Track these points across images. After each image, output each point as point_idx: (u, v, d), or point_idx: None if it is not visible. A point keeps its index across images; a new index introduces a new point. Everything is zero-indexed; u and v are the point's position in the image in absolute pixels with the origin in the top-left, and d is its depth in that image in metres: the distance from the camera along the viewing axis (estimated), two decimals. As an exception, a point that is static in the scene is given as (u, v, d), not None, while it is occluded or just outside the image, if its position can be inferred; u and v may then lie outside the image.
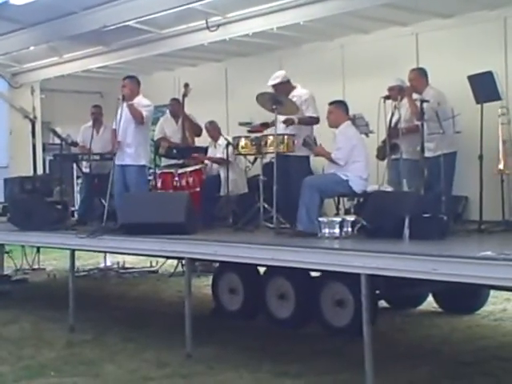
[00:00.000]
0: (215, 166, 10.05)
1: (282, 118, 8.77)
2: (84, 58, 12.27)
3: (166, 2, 9.03)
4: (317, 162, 8.91)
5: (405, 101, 8.39)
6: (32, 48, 11.60)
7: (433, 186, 7.76)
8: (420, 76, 8.54)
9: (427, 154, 7.77)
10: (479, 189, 7.63)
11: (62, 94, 14.10)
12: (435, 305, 8.91)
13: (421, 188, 7.64)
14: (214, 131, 10.31)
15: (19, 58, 12.68)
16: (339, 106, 8.19)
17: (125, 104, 9.09)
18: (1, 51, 11.83)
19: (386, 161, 8.25)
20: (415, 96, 8.27)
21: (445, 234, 6.77)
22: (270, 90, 8.98)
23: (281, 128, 8.74)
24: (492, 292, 8.62)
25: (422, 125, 7.75)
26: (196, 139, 10.85)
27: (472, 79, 7.80)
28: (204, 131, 10.59)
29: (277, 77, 9.06)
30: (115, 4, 9.38)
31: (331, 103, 8.23)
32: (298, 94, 8.95)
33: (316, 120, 8.81)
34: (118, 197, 9.09)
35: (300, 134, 8.66)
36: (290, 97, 8.87)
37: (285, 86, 8.98)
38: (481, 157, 7.65)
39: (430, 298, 8.91)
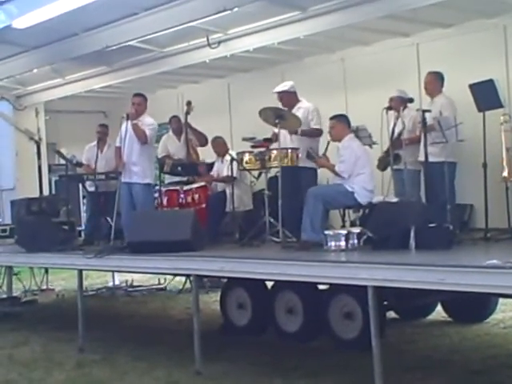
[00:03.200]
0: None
1: (284, 132, 8.77)
2: (87, 78, 12.35)
3: (167, 20, 9.06)
4: (321, 174, 8.89)
5: (407, 111, 8.38)
6: (35, 70, 11.64)
7: (437, 194, 7.74)
8: (435, 80, 8.53)
9: (431, 158, 7.74)
10: (484, 197, 7.61)
11: (66, 114, 14.16)
12: (444, 314, 8.86)
13: (423, 197, 7.62)
14: (220, 147, 10.35)
15: (23, 80, 12.75)
16: (340, 119, 8.19)
17: (129, 123, 9.12)
18: (4, 74, 11.88)
19: (390, 171, 8.23)
20: (415, 107, 8.27)
21: (451, 244, 6.74)
22: (275, 102, 8.98)
23: (287, 141, 8.74)
24: (501, 300, 8.57)
25: (425, 134, 7.74)
26: (202, 154, 10.82)
27: (473, 88, 7.79)
28: (210, 147, 10.59)
29: (284, 85, 9.09)
30: (116, 24, 9.42)
31: (332, 118, 8.24)
32: (305, 106, 8.95)
33: (320, 132, 8.82)
34: (125, 215, 9.10)
35: (305, 147, 8.65)
36: (296, 109, 8.89)
37: (290, 97, 9.00)
38: (485, 165, 7.64)
39: (439, 308, 8.86)
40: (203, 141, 10.74)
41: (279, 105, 9.02)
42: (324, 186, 8.67)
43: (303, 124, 8.74)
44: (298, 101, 9.03)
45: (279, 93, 9.05)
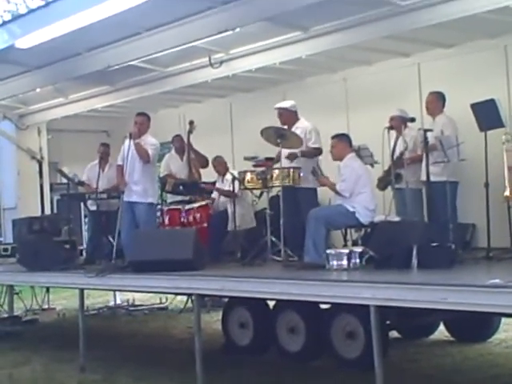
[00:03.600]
0: (222, 200, 10.09)
1: (286, 151, 8.79)
2: (89, 97, 12.40)
3: (169, 40, 9.09)
4: (323, 194, 8.90)
5: (408, 131, 8.40)
6: (38, 90, 11.69)
7: (439, 214, 7.74)
8: (437, 100, 8.55)
9: (432, 178, 7.75)
10: (486, 216, 7.62)
11: (68, 133, 14.19)
12: (447, 333, 8.82)
13: (425, 216, 7.61)
14: (221, 166, 10.36)
15: (25, 99, 12.81)
16: (342, 139, 8.22)
17: (132, 142, 9.14)
18: (7, 94, 11.92)
19: (391, 191, 8.24)
20: (417, 127, 8.29)
21: (453, 263, 6.73)
22: (276, 122, 9.02)
23: (285, 162, 8.78)
24: (504, 319, 8.53)
25: (427, 153, 7.76)
26: (203, 174, 10.85)
27: (475, 107, 7.81)
28: (211, 166, 10.61)
29: (286, 103, 9.20)
30: (119, 44, 9.45)
31: (334, 137, 8.27)
32: (303, 126, 9.01)
33: (319, 151, 8.84)
34: (126, 234, 9.10)
35: (305, 167, 8.68)
36: (294, 128, 8.94)
37: (290, 115, 9.06)
38: (487, 184, 7.64)
39: (442, 327, 8.83)
40: (204, 162, 10.78)
41: (279, 123, 9.04)
42: (325, 207, 8.68)
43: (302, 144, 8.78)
44: (297, 120, 9.07)
45: (279, 109, 9.10)
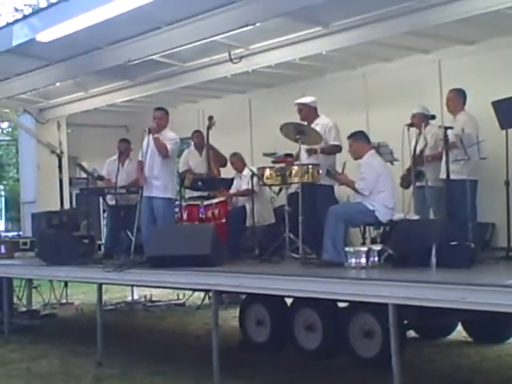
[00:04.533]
0: (240, 197, 10.05)
1: (305, 147, 8.78)
2: (109, 92, 12.41)
3: (189, 35, 9.08)
4: (341, 191, 8.87)
5: (429, 128, 8.35)
6: (58, 84, 11.71)
7: (458, 212, 7.68)
8: (457, 97, 8.49)
9: (452, 176, 7.70)
10: (506, 215, 7.56)
11: (87, 128, 14.23)
12: (465, 334, 8.77)
13: (444, 215, 7.56)
14: (238, 163, 10.33)
15: (46, 93, 12.83)
16: (357, 137, 8.15)
17: (151, 137, 9.15)
18: (28, 88, 11.95)
19: (411, 189, 8.18)
20: (437, 124, 8.23)
21: (472, 262, 6.69)
22: (296, 117, 8.99)
23: (304, 157, 8.74)
24: (523, 320, 8.47)
25: (447, 152, 7.70)
26: (222, 170, 10.87)
27: (496, 105, 7.74)
28: (228, 163, 10.60)
29: (306, 98, 9.15)
30: (139, 39, 9.46)
31: (349, 137, 8.22)
32: (323, 122, 8.97)
33: (339, 149, 8.80)
34: (145, 229, 9.12)
35: (324, 164, 8.65)
36: (314, 125, 8.90)
37: (309, 111, 9.03)
38: (507, 183, 7.59)
39: (460, 327, 8.77)
40: (223, 162, 10.79)
41: (299, 119, 9.01)
42: (344, 204, 8.63)
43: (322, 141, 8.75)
44: (316, 116, 9.04)
45: (299, 104, 9.07)
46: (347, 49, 9.31)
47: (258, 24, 8.44)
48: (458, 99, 8.48)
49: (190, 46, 9.38)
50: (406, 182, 8.72)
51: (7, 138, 30.00)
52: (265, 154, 9.66)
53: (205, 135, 10.69)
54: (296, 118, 9.08)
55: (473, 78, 9.02)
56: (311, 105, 9.07)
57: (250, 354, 8.08)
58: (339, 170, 8.33)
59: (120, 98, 12.57)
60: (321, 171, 8.56)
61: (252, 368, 7.74)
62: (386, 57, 10.21)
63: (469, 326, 8.62)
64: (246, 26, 8.44)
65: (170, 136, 9.39)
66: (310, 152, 8.80)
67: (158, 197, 9.27)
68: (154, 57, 9.98)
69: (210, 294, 7.84)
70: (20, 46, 9.50)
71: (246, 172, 9.91)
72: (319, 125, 8.90)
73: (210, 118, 10.42)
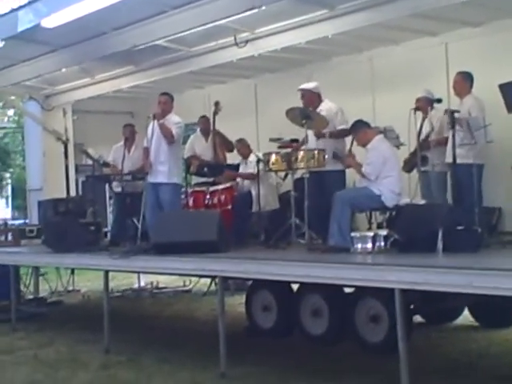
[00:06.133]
0: (246, 182, 10.07)
1: (311, 132, 8.78)
2: (115, 78, 12.46)
3: (194, 19, 9.09)
4: (348, 176, 8.86)
5: (434, 112, 8.33)
6: (64, 70, 11.74)
7: (464, 196, 7.69)
8: (464, 80, 8.46)
9: (458, 160, 7.69)
10: (513, 199, 7.57)
11: (93, 115, 14.26)
12: (471, 318, 8.79)
13: (450, 199, 7.56)
14: (244, 148, 10.34)
15: (51, 80, 12.86)
16: (356, 128, 8.15)
17: (156, 122, 9.16)
18: (33, 74, 11.99)
19: (417, 174, 8.18)
20: (443, 108, 8.22)
21: (479, 247, 6.71)
22: (302, 102, 8.99)
23: (313, 141, 8.74)
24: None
25: (453, 135, 7.69)
26: (227, 156, 10.88)
27: (503, 88, 7.71)
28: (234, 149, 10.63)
29: (308, 84, 9.13)
30: (144, 24, 9.48)
31: (349, 132, 8.27)
32: (328, 107, 8.96)
33: (347, 132, 8.77)
34: (150, 216, 9.15)
35: (333, 148, 8.65)
36: (318, 110, 8.88)
37: (312, 96, 9.01)
38: (514, 167, 7.58)
39: (466, 312, 8.79)
40: (230, 147, 10.80)
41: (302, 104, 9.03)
42: (351, 189, 8.64)
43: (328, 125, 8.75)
44: (320, 102, 9.03)
45: (302, 90, 9.06)
46: (353, 32, 9.30)
47: (263, 7, 8.46)
48: (464, 82, 8.45)
49: (196, 30, 9.40)
50: (408, 166, 8.76)
51: (13, 126, 30.02)
52: (271, 140, 9.68)
53: (211, 121, 10.68)
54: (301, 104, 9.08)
55: (480, 60, 9.00)
56: (314, 90, 9.06)
57: (256, 341, 8.12)
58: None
59: (125, 84, 12.62)
60: (327, 156, 8.56)
61: (259, 354, 7.79)
62: (392, 40, 10.18)
63: (475, 311, 8.63)
64: (252, 9, 8.46)
65: (174, 120, 9.41)
66: (319, 136, 8.79)
67: (164, 182, 9.30)
68: (159, 42, 10.01)
69: (217, 280, 7.89)
70: (25, 32, 9.53)
71: (252, 158, 9.93)
72: (323, 110, 8.89)
73: (217, 104, 10.41)
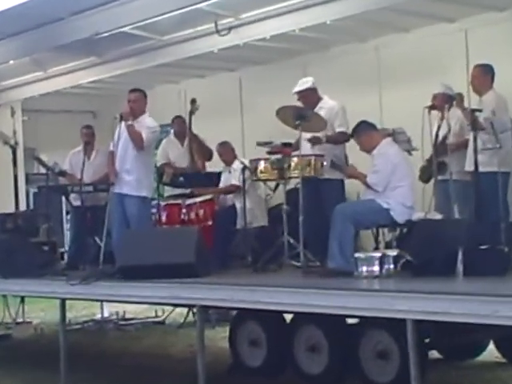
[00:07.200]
0: (230, 194, 10.07)
1: (307, 135, 8.78)
2: (73, 71, 12.46)
3: (168, 3, 9.12)
4: (351, 187, 8.88)
5: (453, 111, 8.36)
6: (12, 62, 11.71)
7: (488, 210, 7.70)
8: (484, 74, 8.46)
9: (480, 168, 7.72)
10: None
11: (47, 114, 14.27)
12: (498, 354, 8.80)
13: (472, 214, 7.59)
14: (227, 154, 10.34)
15: (-3, 73, 12.84)
16: (360, 130, 8.18)
17: (123, 124, 9.15)
18: (-25, 67, 11.98)
19: (432, 183, 8.20)
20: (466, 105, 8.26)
21: (506, 269, 6.72)
22: (295, 99, 9.00)
23: (307, 148, 8.76)
24: None
25: (475, 138, 7.71)
26: (207, 164, 10.88)
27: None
28: (216, 155, 10.61)
29: (305, 82, 9.11)
30: (108, 7, 9.49)
31: (351, 134, 8.31)
32: (328, 106, 8.98)
33: (347, 136, 8.81)
34: (116, 234, 9.13)
35: (330, 155, 8.69)
36: (318, 108, 8.91)
37: (312, 95, 9.05)
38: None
39: (492, 346, 8.80)
40: (207, 155, 10.81)
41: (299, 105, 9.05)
42: (353, 202, 8.69)
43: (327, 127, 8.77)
44: (319, 99, 9.05)
45: (298, 93, 9.06)
46: (356, 17, 9.35)
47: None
48: (484, 76, 8.45)
49: (169, 15, 9.40)
50: (426, 175, 8.75)
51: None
52: (259, 144, 9.68)
53: (187, 122, 10.68)
54: (295, 100, 9.09)
55: (504, 49, 9.06)
56: (311, 87, 9.07)
57: (242, 381, 8.10)
58: (350, 158, 8.37)
59: (86, 79, 12.62)
60: (325, 163, 8.58)
61: (245, 397, 7.79)
62: (402, 26, 10.25)
63: (502, 345, 8.64)
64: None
65: (147, 123, 9.38)
66: (314, 141, 8.80)
67: (131, 195, 9.27)
68: (126, 29, 10.01)
69: (195, 310, 7.87)
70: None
71: (237, 165, 9.91)
72: (324, 109, 8.92)
73: (193, 102, 10.42)
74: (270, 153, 9.36)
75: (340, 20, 9.44)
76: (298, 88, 9.11)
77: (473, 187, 7.98)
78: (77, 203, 10.67)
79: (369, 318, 6.62)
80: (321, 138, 8.81)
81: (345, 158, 8.52)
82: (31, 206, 13.47)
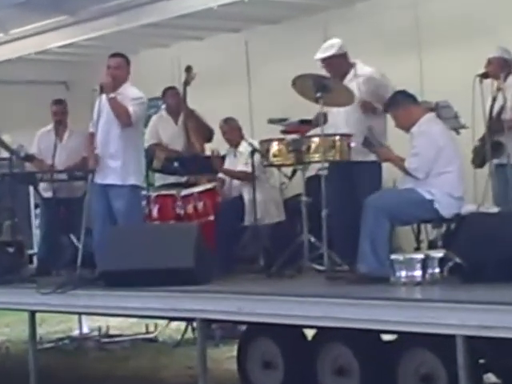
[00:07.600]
0: (235, 182, 10.06)
1: (333, 110, 8.73)
2: (40, 33, 12.45)
3: None
4: (386, 172, 8.86)
5: (510, 81, 8.35)
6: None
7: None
8: None
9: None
10: None
11: (10, 86, 14.23)
12: None
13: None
14: (233, 133, 10.34)
15: None
16: (396, 102, 8.14)
17: (104, 97, 9.14)
18: None
19: (486, 168, 8.20)
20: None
21: None
22: (315, 66, 8.97)
23: (339, 122, 8.73)
24: None
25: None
26: (207, 145, 10.88)
27: None
28: (218, 135, 10.61)
29: (330, 46, 9.01)
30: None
31: (385, 109, 8.31)
32: (366, 73, 8.90)
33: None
34: (98, 232, 9.13)
35: (377, 129, 8.54)
36: (351, 77, 8.89)
37: (340, 62, 8.99)
38: None
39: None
40: (207, 134, 10.79)
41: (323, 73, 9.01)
42: (388, 192, 8.66)
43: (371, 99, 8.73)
44: (350, 65, 9.00)
45: (323, 60, 9.00)
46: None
47: None
48: None
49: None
50: (478, 159, 8.73)
51: None
52: (271, 121, 9.67)
53: (181, 94, 10.68)
54: (314, 67, 9.03)
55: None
56: (339, 52, 8.99)
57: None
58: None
59: (56, 42, 12.64)
60: (353, 144, 8.54)
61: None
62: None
63: None
64: None
65: (131, 93, 9.36)
66: (367, 106, 8.73)
67: (116, 184, 9.26)
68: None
69: (194, 324, 7.87)
70: None
71: (244, 147, 9.92)
72: (361, 77, 8.84)
73: (188, 70, 10.44)
74: (284, 132, 9.37)
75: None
76: (322, 54, 9.03)
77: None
78: (47, 194, 10.72)
79: (409, 334, 6.61)
80: (375, 106, 8.72)
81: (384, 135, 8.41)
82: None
